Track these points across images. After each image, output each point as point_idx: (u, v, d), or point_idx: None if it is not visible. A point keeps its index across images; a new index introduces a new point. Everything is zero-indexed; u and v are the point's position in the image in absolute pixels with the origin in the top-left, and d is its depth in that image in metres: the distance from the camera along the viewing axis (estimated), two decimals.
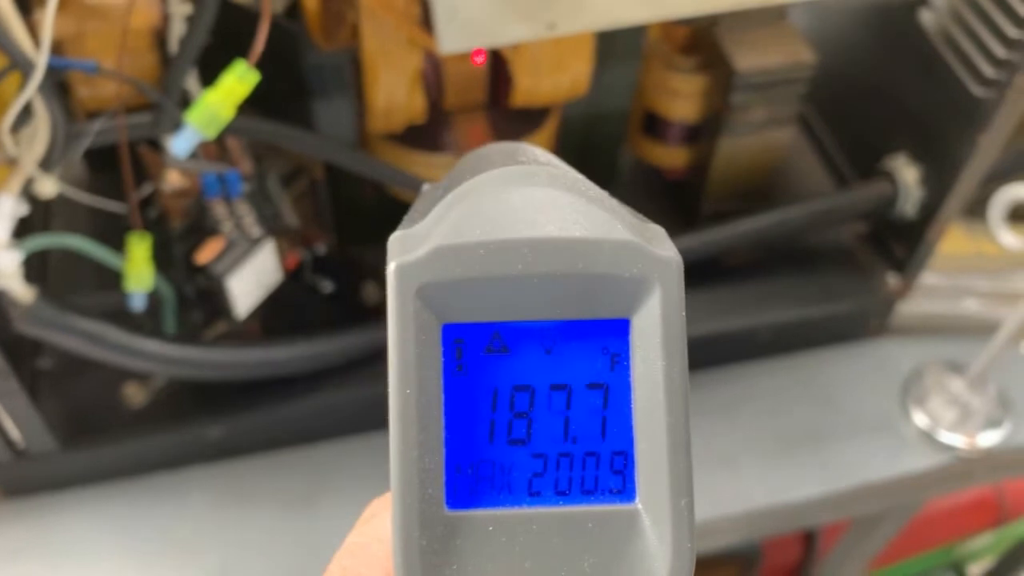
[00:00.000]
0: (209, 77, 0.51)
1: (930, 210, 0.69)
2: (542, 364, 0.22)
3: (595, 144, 0.72)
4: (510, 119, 0.64)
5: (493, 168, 0.23)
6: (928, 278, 0.77)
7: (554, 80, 0.59)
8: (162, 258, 0.59)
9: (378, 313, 0.70)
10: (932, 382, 0.73)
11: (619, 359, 0.22)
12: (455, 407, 0.22)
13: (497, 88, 0.64)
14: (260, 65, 0.54)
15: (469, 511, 0.22)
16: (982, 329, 0.75)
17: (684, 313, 0.22)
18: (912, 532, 1.11)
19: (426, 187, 0.28)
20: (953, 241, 0.79)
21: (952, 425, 0.72)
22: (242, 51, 0.50)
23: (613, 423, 0.22)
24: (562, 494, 0.22)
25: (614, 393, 0.22)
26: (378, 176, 0.57)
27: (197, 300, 0.61)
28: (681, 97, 0.71)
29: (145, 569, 0.64)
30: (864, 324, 0.75)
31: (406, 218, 0.25)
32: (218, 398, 0.66)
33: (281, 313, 0.69)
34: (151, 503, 0.67)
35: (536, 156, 0.26)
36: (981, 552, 1.24)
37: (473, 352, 0.22)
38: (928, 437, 0.72)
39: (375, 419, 0.69)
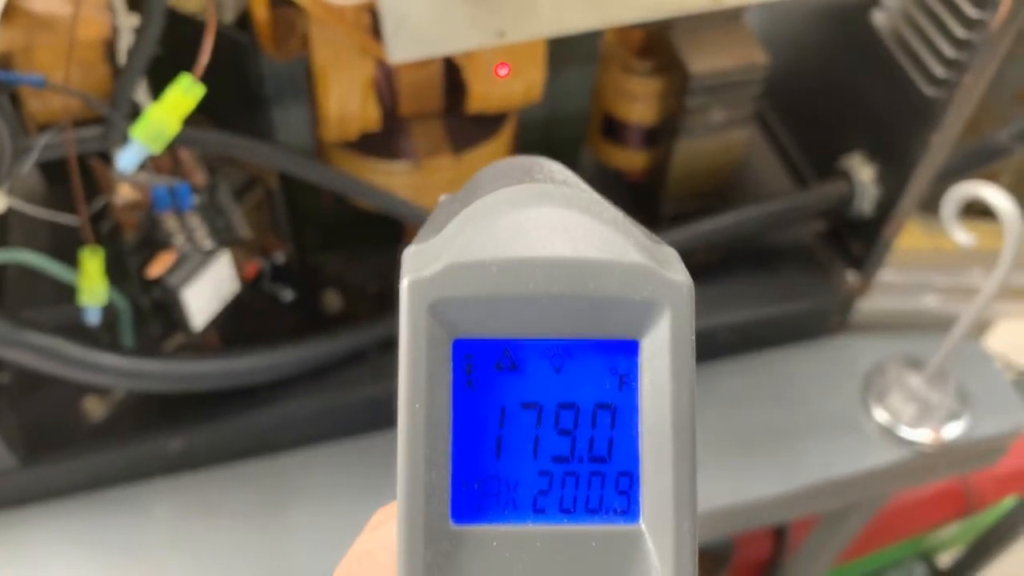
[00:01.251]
0: (162, 89, 0.51)
1: (886, 208, 0.70)
2: (551, 382, 0.22)
3: (554, 148, 0.72)
4: (467, 125, 0.64)
5: (509, 184, 0.23)
6: (887, 275, 0.78)
7: (508, 86, 0.59)
8: (117, 271, 0.59)
9: (338, 321, 0.70)
10: (892, 378, 0.74)
11: (627, 380, 0.22)
12: (463, 422, 0.22)
13: (453, 95, 0.64)
14: (212, 76, 0.54)
15: (474, 526, 0.22)
16: (941, 325, 0.76)
17: (694, 337, 0.22)
18: (882, 524, 1.12)
19: (443, 198, 0.29)
20: (911, 238, 0.80)
21: (912, 420, 0.73)
22: (194, 62, 0.50)
23: (620, 443, 0.22)
24: (567, 512, 0.22)
25: (621, 414, 0.22)
26: (331, 185, 0.57)
27: (154, 313, 0.60)
28: (638, 100, 0.71)
29: None
30: (824, 322, 0.76)
31: (421, 231, 0.25)
32: (179, 410, 0.66)
33: (241, 323, 0.69)
34: (114, 517, 0.67)
35: (552, 173, 0.26)
36: (950, 542, 1.25)
37: (483, 368, 0.22)
38: (889, 433, 0.73)
39: (339, 428, 0.68)
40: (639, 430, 0.22)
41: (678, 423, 0.22)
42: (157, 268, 0.53)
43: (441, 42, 0.50)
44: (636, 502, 0.22)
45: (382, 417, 0.69)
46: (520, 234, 0.22)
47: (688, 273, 0.22)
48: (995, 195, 0.60)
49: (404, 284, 0.21)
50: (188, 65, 0.50)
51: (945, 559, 1.30)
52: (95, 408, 0.66)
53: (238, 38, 0.53)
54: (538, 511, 0.22)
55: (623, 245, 0.22)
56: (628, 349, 0.22)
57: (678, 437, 0.22)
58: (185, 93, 0.44)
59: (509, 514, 0.22)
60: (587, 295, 0.21)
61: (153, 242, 0.55)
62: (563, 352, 0.22)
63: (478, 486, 0.22)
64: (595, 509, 0.22)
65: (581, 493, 0.22)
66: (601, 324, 0.22)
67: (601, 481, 0.22)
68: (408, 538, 0.21)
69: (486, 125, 0.64)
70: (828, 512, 0.92)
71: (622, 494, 0.22)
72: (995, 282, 0.63)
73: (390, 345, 0.68)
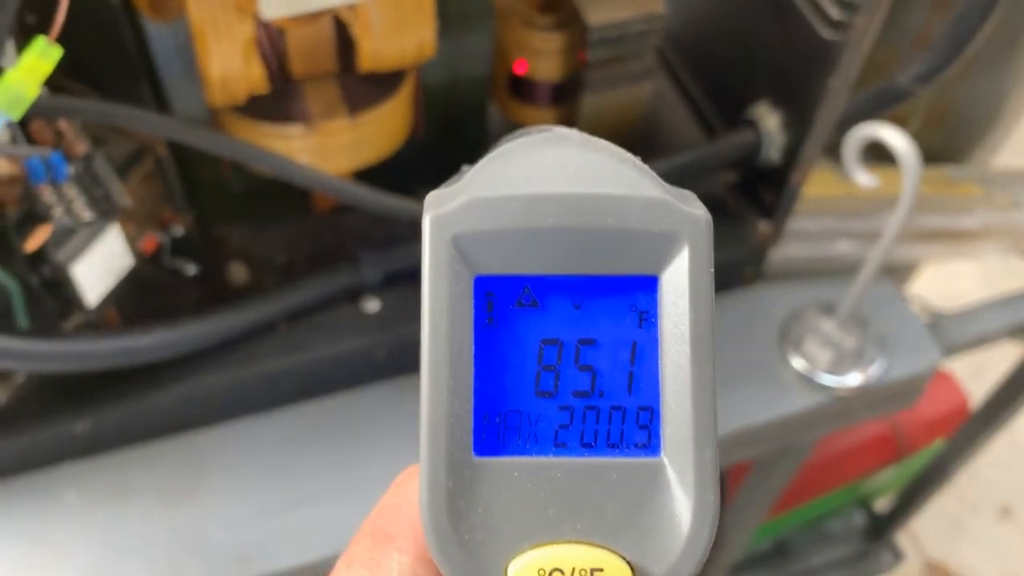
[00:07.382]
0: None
1: (793, 155, 0.70)
2: (571, 319, 0.23)
3: (460, 107, 0.71)
4: (363, 84, 0.62)
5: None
6: (801, 223, 0.78)
7: (398, 43, 0.58)
8: (2, 251, 0.57)
9: (243, 293, 0.68)
10: (807, 325, 0.75)
11: (647, 316, 0.23)
12: (485, 358, 0.22)
13: (347, 53, 0.62)
14: (89, 42, 0.52)
15: (496, 458, 0.22)
16: (855, 270, 0.76)
17: (712, 270, 0.23)
18: (817, 472, 1.14)
19: (465, 167, 0.30)
20: (824, 185, 0.80)
21: (828, 366, 0.73)
22: (73, 29, 0.47)
23: (640, 379, 0.23)
24: (588, 446, 0.23)
25: (642, 349, 0.23)
26: (220, 151, 0.55)
27: (46, 291, 0.58)
28: (543, 56, 0.70)
29: (18, 573, 0.62)
30: (739, 272, 0.76)
31: (443, 184, 0.26)
32: (82, 391, 0.64)
33: (145, 299, 0.67)
34: (23, 505, 0.65)
35: (571, 129, 0.28)
36: (886, 487, 1.28)
37: (504, 305, 0.23)
38: (806, 379, 0.73)
39: (250, 403, 0.67)
40: (660, 364, 0.22)
41: (697, 356, 0.22)
42: (34, 242, 0.51)
43: None
44: (657, 436, 0.23)
45: (293, 390, 0.68)
46: (540, 172, 0.22)
47: (706, 208, 0.22)
48: (892, 135, 0.60)
49: (426, 220, 0.22)
50: (71, 33, 0.48)
51: (882, 504, 1.33)
52: None
53: (108, 0, 0.51)
54: (559, 445, 0.23)
55: (641, 181, 0.22)
56: (648, 285, 0.23)
57: (698, 370, 0.22)
58: (40, 56, 0.42)
59: (531, 447, 0.23)
60: (606, 229, 0.22)
61: (34, 217, 0.53)
62: (583, 289, 0.23)
63: (500, 420, 0.23)
64: (616, 443, 0.23)
65: (602, 428, 0.23)
66: (620, 261, 0.22)
67: (622, 416, 0.23)
68: (431, 468, 0.21)
69: (384, 83, 0.63)
70: (761, 461, 0.93)
71: (643, 428, 0.23)
72: (897, 224, 0.63)
73: (299, 316, 0.67)
